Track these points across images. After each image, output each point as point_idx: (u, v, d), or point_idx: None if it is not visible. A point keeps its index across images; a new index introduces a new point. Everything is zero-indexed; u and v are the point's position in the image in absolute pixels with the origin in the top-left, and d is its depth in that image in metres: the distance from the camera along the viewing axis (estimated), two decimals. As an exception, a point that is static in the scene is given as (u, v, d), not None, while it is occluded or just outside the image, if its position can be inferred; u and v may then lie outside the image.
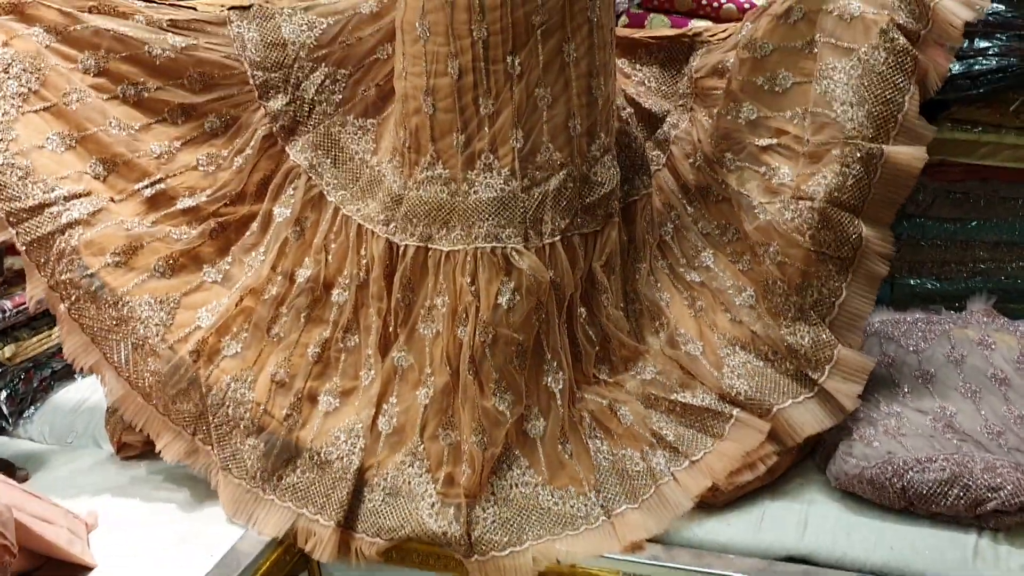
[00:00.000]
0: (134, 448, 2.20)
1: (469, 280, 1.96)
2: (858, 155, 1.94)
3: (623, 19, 2.42)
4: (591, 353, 2.07)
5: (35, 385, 2.47)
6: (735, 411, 1.99)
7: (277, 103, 2.13)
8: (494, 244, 1.97)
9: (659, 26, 2.38)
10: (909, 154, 1.95)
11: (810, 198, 1.98)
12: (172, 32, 2.10)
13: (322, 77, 2.14)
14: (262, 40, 2.13)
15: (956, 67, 2.24)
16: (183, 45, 2.09)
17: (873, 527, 1.83)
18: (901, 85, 1.94)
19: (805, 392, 1.98)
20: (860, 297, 2.01)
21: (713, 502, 1.92)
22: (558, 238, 2.01)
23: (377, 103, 2.19)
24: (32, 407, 2.44)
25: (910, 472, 1.82)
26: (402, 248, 2.04)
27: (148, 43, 2.07)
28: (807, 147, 2.02)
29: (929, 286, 2.50)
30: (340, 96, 2.16)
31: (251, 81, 2.13)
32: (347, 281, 2.09)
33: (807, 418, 1.96)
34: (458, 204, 1.99)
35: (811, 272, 2.00)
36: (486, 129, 1.96)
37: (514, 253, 1.96)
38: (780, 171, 2.07)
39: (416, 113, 2.01)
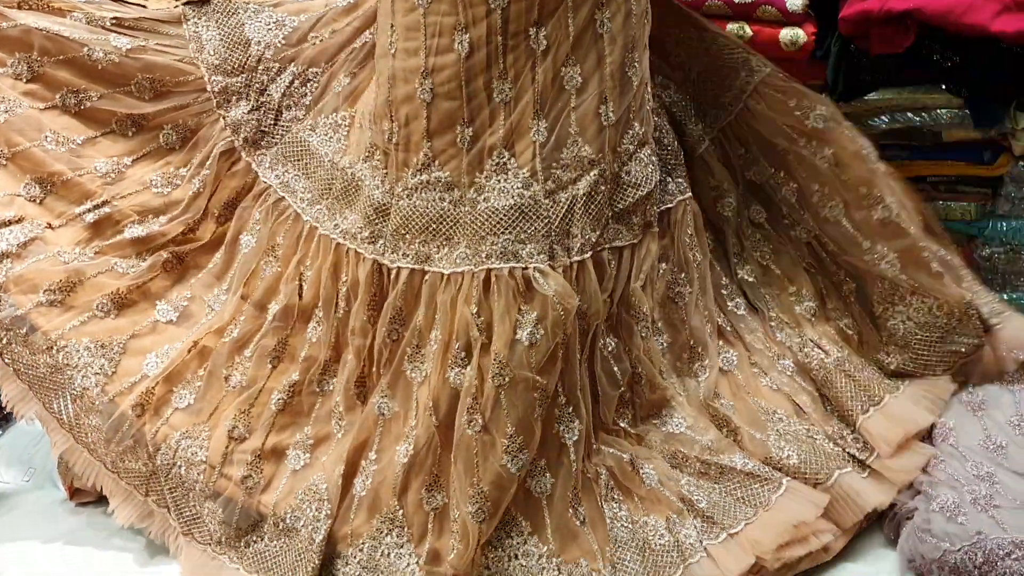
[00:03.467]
0: (88, 495, 1.97)
1: (475, 310, 1.62)
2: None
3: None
4: (613, 396, 1.75)
5: (-8, 413, 2.22)
6: (785, 479, 1.67)
7: (238, 111, 1.85)
8: (512, 264, 1.62)
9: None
10: None
11: None
12: (117, 32, 1.84)
13: (290, 78, 1.86)
14: (223, 40, 1.85)
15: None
16: (129, 47, 1.83)
17: (957, 629, 1.51)
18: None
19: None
20: None
21: (755, 586, 1.60)
22: (588, 255, 1.68)
23: (351, 94, 1.86)
24: (-10, 437, 2.21)
25: (1007, 560, 1.50)
26: (393, 271, 1.71)
27: (88, 44, 1.82)
28: None
29: (1032, 301, 2.14)
30: (311, 97, 1.86)
31: (209, 87, 1.85)
32: (321, 313, 1.79)
33: (871, 488, 1.67)
34: (463, 215, 1.66)
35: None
36: (500, 120, 1.63)
37: (537, 275, 1.62)
38: None
39: (407, 101, 1.67)
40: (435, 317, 1.67)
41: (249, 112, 1.84)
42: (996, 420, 1.76)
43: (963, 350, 1.82)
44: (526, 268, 1.63)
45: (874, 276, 1.85)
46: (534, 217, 1.65)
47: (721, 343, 1.88)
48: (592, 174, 1.67)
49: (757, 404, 1.80)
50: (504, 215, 1.64)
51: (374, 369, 1.74)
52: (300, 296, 1.80)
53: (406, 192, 1.70)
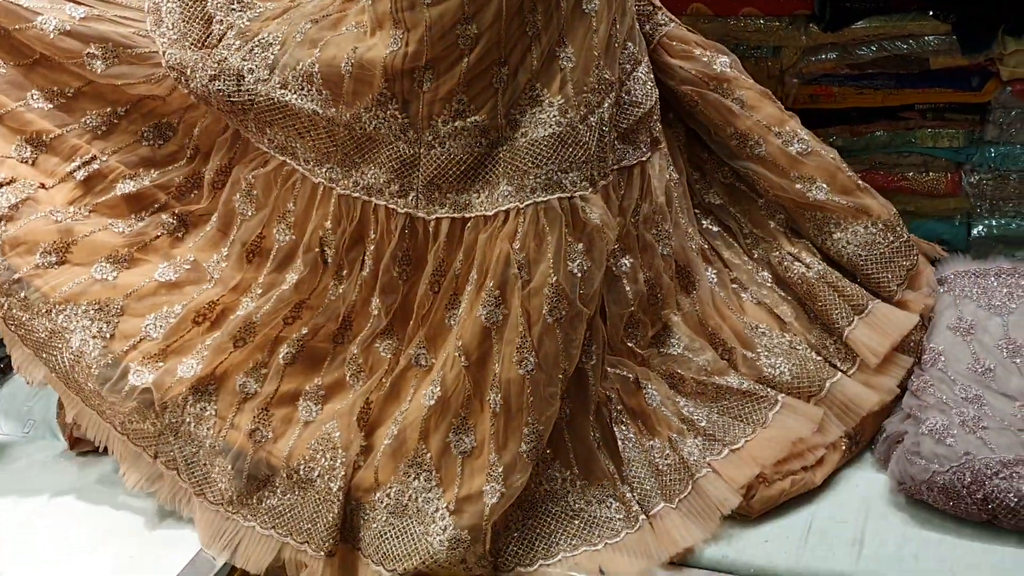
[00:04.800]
0: (88, 444, 1.97)
1: (517, 246, 1.60)
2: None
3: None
4: (622, 316, 1.75)
5: (-9, 366, 2.24)
6: (780, 396, 1.71)
7: (196, 82, 1.75)
8: (559, 194, 1.61)
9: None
10: None
11: None
12: (74, 2, 1.79)
13: (251, 46, 1.74)
14: (183, 13, 1.78)
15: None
16: (83, 15, 1.78)
17: (946, 547, 1.55)
18: None
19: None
20: None
21: (747, 512, 1.63)
22: (611, 178, 1.70)
23: (315, 39, 1.73)
24: (-13, 390, 2.21)
25: (994, 479, 1.52)
26: (432, 223, 1.67)
27: (42, 13, 1.77)
28: None
29: (1015, 227, 2.14)
30: (273, 57, 1.72)
31: (164, 61, 1.78)
32: (345, 272, 1.75)
33: (864, 391, 1.73)
34: (502, 154, 1.63)
35: None
36: (533, 54, 1.61)
37: (581, 202, 1.62)
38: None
39: (446, 53, 1.60)
40: (473, 259, 1.64)
41: (209, 81, 1.74)
42: (984, 344, 1.77)
43: (909, 261, 1.86)
44: (572, 197, 1.62)
45: (806, 206, 1.87)
46: (574, 144, 1.63)
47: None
48: (612, 95, 1.68)
49: (740, 320, 1.82)
50: (545, 145, 1.61)
51: (411, 322, 1.71)
52: (324, 262, 1.75)
53: (437, 141, 1.64)
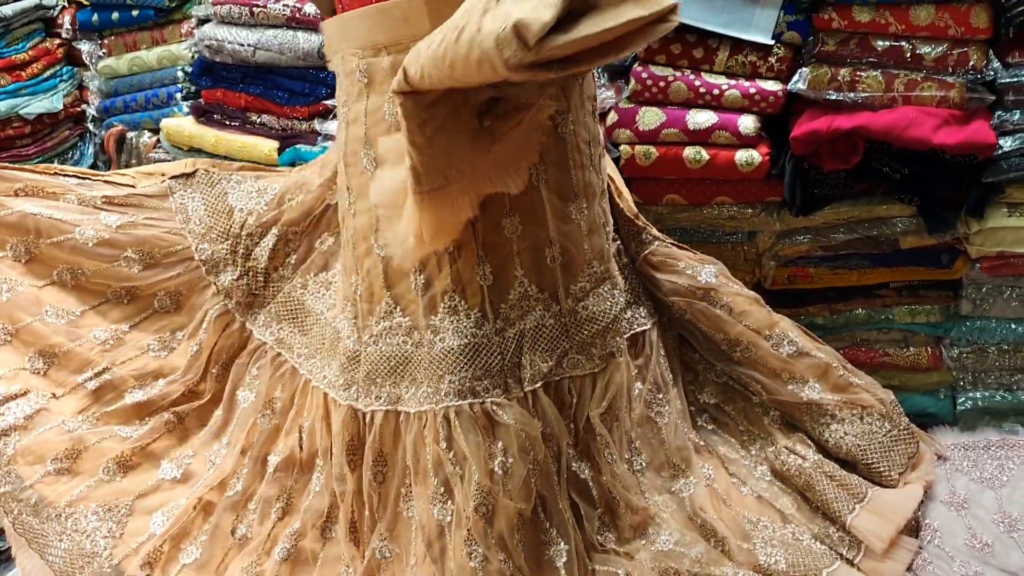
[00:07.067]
0: None
1: (444, 446, 1.64)
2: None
3: (611, 116, 2.13)
4: (593, 516, 1.74)
5: (-25, 569, 2.18)
6: None
7: (227, 277, 1.92)
8: (471, 400, 1.66)
9: (652, 121, 2.08)
10: None
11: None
12: (107, 210, 1.92)
13: (273, 240, 1.92)
14: (207, 210, 1.93)
15: (1008, 143, 1.92)
16: (119, 223, 1.91)
17: None
18: None
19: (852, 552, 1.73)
20: None
21: None
22: (539, 384, 1.71)
23: (338, 251, 1.92)
24: (-29, 595, 2.15)
25: (1002, 663, 1.46)
26: (368, 415, 1.73)
27: (80, 224, 1.90)
28: None
29: (999, 399, 2.14)
30: (295, 256, 1.93)
31: (196, 256, 1.92)
32: (321, 463, 1.80)
33: None
34: (423, 356, 1.70)
35: None
36: (447, 266, 1.67)
37: (494, 407, 1.66)
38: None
39: (368, 255, 1.74)
40: (412, 457, 1.68)
41: (237, 279, 1.91)
42: (980, 518, 1.76)
43: (910, 449, 1.86)
44: (483, 402, 1.66)
45: (801, 404, 1.88)
46: (487, 354, 1.68)
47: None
48: (537, 310, 1.72)
49: (740, 514, 1.80)
50: (459, 354, 1.67)
51: (366, 513, 1.74)
52: (301, 448, 1.82)
53: (372, 339, 1.73)
